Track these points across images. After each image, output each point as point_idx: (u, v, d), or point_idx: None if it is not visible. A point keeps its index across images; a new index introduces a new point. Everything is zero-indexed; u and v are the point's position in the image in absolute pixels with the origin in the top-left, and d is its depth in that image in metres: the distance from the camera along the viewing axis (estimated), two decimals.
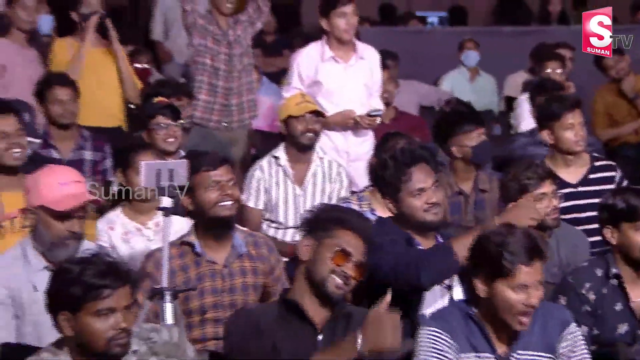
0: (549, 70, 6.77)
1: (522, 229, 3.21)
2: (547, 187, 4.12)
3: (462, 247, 3.35)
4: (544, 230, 4.13)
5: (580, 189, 4.63)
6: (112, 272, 2.88)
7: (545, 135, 4.66)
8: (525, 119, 6.79)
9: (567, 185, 4.58)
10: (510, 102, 7.56)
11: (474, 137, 4.68)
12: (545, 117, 4.68)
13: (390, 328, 2.99)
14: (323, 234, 3.19)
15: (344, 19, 5.41)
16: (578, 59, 7.02)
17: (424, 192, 3.60)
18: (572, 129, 4.60)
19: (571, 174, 4.66)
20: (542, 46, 7.29)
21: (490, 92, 8.07)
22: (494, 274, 3.12)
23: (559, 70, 6.80)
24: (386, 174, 3.64)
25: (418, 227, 3.62)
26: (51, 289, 2.91)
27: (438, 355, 3.14)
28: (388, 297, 3.04)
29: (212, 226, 3.72)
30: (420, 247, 3.57)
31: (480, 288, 3.16)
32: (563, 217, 4.28)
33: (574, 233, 4.35)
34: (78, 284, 2.84)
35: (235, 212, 3.76)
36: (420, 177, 3.61)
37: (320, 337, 3.16)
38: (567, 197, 4.44)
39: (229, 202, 3.70)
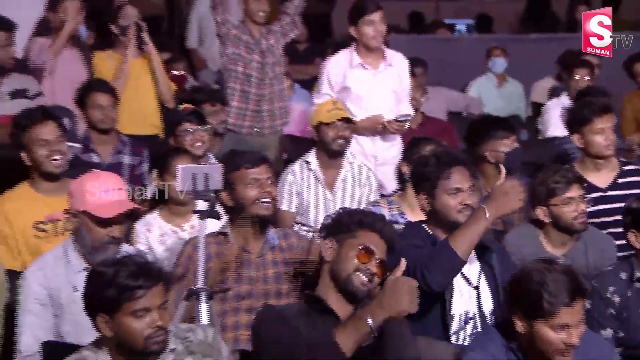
0: (577, 77, 6.73)
1: (563, 266, 3.07)
2: (575, 191, 4.09)
3: (460, 242, 3.38)
4: (572, 234, 4.11)
5: (609, 193, 4.59)
6: (144, 272, 2.90)
7: (575, 139, 4.65)
8: (552, 125, 6.78)
9: (596, 189, 4.54)
10: (537, 108, 7.52)
11: (508, 144, 4.70)
12: (576, 121, 4.66)
13: (407, 293, 3.02)
14: (346, 235, 3.23)
15: (372, 27, 5.42)
16: (607, 65, 6.96)
17: (460, 193, 3.60)
18: (602, 134, 4.57)
19: (600, 178, 4.62)
20: (569, 53, 7.24)
21: (517, 98, 8.04)
22: (533, 314, 2.97)
23: (587, 77, 6.76)
24: (426, 170, 3.64)
25: (449, 227, 3.60)
26: (87, 292, 2.94)
27: None
28: (402, 264, 3.08)
29: (249, 225, 3.75)
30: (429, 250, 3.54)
31: (519, 325, 3.03)
32: (591, 220, 4.24)
33: (601, 237, 4.32)
34: (112, 286, 2.87)
35: (273, 212, 3.78)
36: (458, 178, 3.61)
37: None
38: (596, 201, 4.41)
39: (267, 200, 3.73)
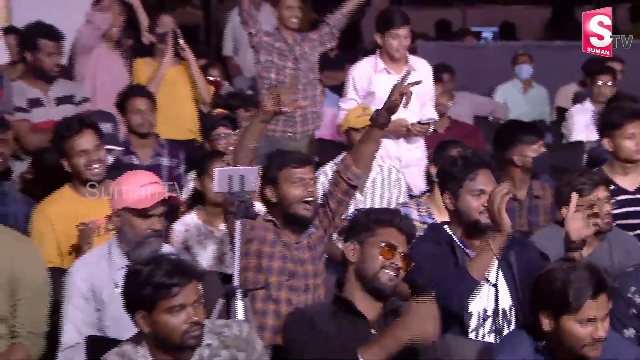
0: (600, 83, 6.69)
1: (585, 263, 3.11)
2: (601, 193, 4.07)
3: (477, 268, 3.43)
4: (597, 234, 4.10)
5: (637, 196, 4.57)
6: (179, 270, 2.92)
7: (605, 143, 4.63)
8: (576, 129, 6.75)
9: (624, 192, 4.51)
10: (561, 113, 7.49)
11: (535, 149, 4.71)
12: (607, 125, 4.65)
13: (432, 319, 3.02)
14: (366, 234, 3.24)
15: (397, 40, 5.44)
16: (634, 71, 6.92)
17: (483, 195, 3.58)
18: (633, 139, 4.55)
19: (628, 181, 4.59)
20: (593, 60, 7.18)
21: (542, 103, 8.00)
22: (559, 310, 2.98)
23: (609, 83, 6.72)
24: (453, 170, 3.63)
25: (470, 227, 3.61)
26: (125, 290, 2.97)
27: None
28: (433, 297, 3.07)
29: (290, 221, 3.78)
30: (444, 269, 3.54)
31: (546, 323, 3.03)
32: (619, 222, 4.22)
33: (627, 238, 4.29)
34: (149, 284, 2.89)
35: (313, 214, 3.80)
36: (483, 180, 3.60)
37: (373, 331, 3.19)
38: (624, 203, 4.39)
39: (310, 199, 3.75)
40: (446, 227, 3.68)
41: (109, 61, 6.01)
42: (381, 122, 3.78)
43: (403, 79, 3.72)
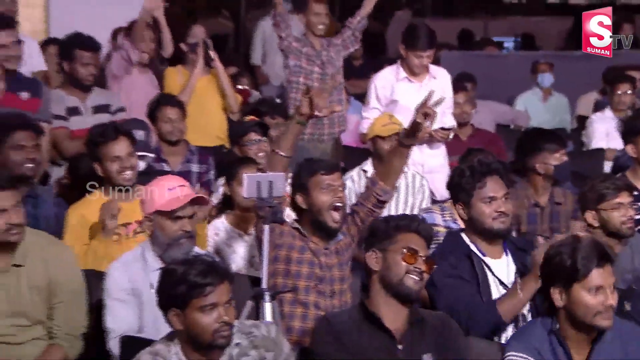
0: (619, 92, 6.65)
1: (588, 237, 3.22)
2: (624, 197, 4.07)
3: (507, 309, 3.45)
4: (619, 238, 4.08)
5: None
6: (212, 270, 2.95)
7: (629, 149, 4.61)
8: (596, 137, 6.71)
9: None
10: (582, 121, 7.45)
11: (558, 157, 4.70)
12: (630, 132, 4.62)
13: None
14: (387, 242, 3.24)
15: (419, 60, 5.47)
16: None
17: (495, 201, 3.60)
18: None
19: None
20: (613, 68, 7.18)
21: (562, 111, 7.96)
22: (569, 279, 3.10)
23: (629, 92, 6.68)
24: (462, 181, 3.66)
25: (486, 234, 3.61)
26: (160, 289, 3.00)
27: None
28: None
29: (319, 228, 3.78)
30: (470, 291, 3.54)
31: (558, 298, 3.12)
32: None
33: None
34: (183, 283, 2.92)
35: (342, 223, 3.79)
36: (493, 187, 3.63)
37: (400, 346, 3.18)
38: None
39: (339, 205, 3.76)
40: (463, 234, 3.68)
41: (139, 84, 6.04)
42: (407, 144, 3.78)
43: (426, 100, 3.70)
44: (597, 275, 3.08)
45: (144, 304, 3.56)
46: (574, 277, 3.09)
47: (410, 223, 3.28)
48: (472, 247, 3.62)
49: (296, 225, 3.82)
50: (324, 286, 3.76)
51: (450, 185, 3.76)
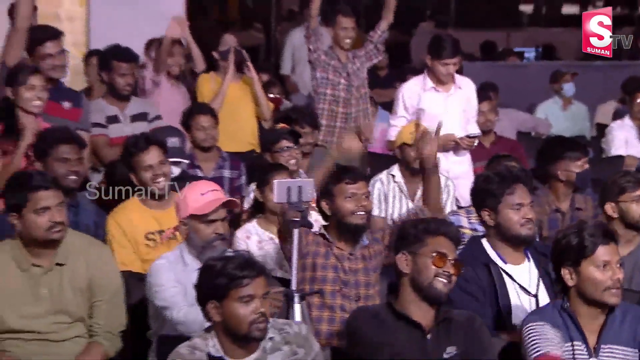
0: (638, 101, 6.62)
1: (595, 221, 3.33)
2: None
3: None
4: (638, 230, 4.08)
5: None
6: (249, 264, 3.01)
7: None
8: (616, 145, 6.67)
9: None
10: (601, 129, 7.41)
11: (579, 165, 4.70)
12: None
13: None
14: (416, 245, 3.25)
15: (445, 68, 5.47)
16: None
17: (522, 208, 3.60)
18: None
19: None
20: (632, 79, 7.17)
21: (582, 120, 7.93)
22: (578, 257, 3.17)
23: None
24: (490, 187, 3.65)
25: (513, 240, 3.60)
26: (200, 283, 3.05)
27: (547, 339, 3.13)
28: None
29: (345, 231, 3.83)
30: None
31: (568, 277, 3.19)
32: None
33: None
34: (222, 275, 2.98)
35: (367, 222, 3.85)
36: (521, 194, 3.63)
37: (429, 336, 3.20)
38: None
39: (363, 213, 3.80)
40: (485, 240, 3.66)
41: (170, 97, 6.08)
42: (427, 172, 3.85)
43: (436, 132, 3.74)
44: (604, 251, 3.16)
45: (187, 300, 3.55)
46: (581, 254, 3.16)
47: (439, 226, 3.29)
48: (493, 254, 3.61)
49: (322, 231, 3.86)
50: (348, 290, 3.79)
51: (476, 191, 3.75)
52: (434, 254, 3.21)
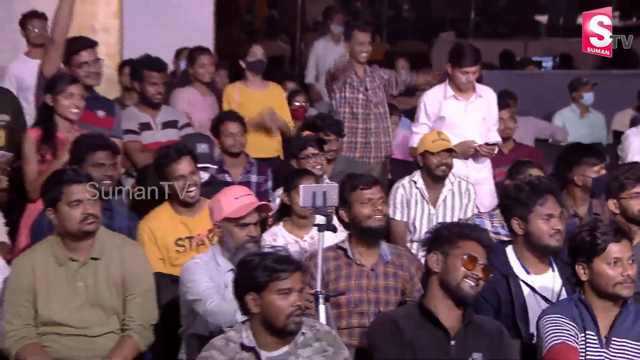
0: None
1: (609, 220, 3.32)
2: None
3: None
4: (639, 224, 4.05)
5: None
6: (286, 260, 3.05)
7: None
8: (632, 151, 6.60)
9: None
10: (618, 136, 7.35)
11: (596, 170, 4.67)
12: None
13: None
14: (449, 246, 3.24)
15: (466, 76, 5.44)
16: None
17: (552, 219, 3.56)
18: None
19: None
20: None
21: (599, 127, 7.87)
22: (590, 254, 3.20)
23: None
24: (521, 196, 3.60)
25: (541, 250, 3.56)
26: (238, 277, 3.08)
27: (564, 331, 3.16)
28: None
29: (364, 236, 3.84)
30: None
31: (582, 272, 3.22)
32: None
33: None
34: (262, 268, 3.01)
35: (384, 224, 3.86)
36: (551, 205, 3.59)
37: (452, 342, 3.18)
38: None
39: (380, 216, 3.82)
40: (509, 249, 3.62)
41: (199, 106, 6.09)
42: None
43: None
44: (615, 249, 3.19)
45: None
46: (593, 251, 3.20)
47: (472, 232, 3.28)
48: (516, 264, 3.56)
49: (345, 246, 3.87)
50: (367, 307, 3.80)
51: (506, 199, 3.69)
52: (465, 257, 3.20)
